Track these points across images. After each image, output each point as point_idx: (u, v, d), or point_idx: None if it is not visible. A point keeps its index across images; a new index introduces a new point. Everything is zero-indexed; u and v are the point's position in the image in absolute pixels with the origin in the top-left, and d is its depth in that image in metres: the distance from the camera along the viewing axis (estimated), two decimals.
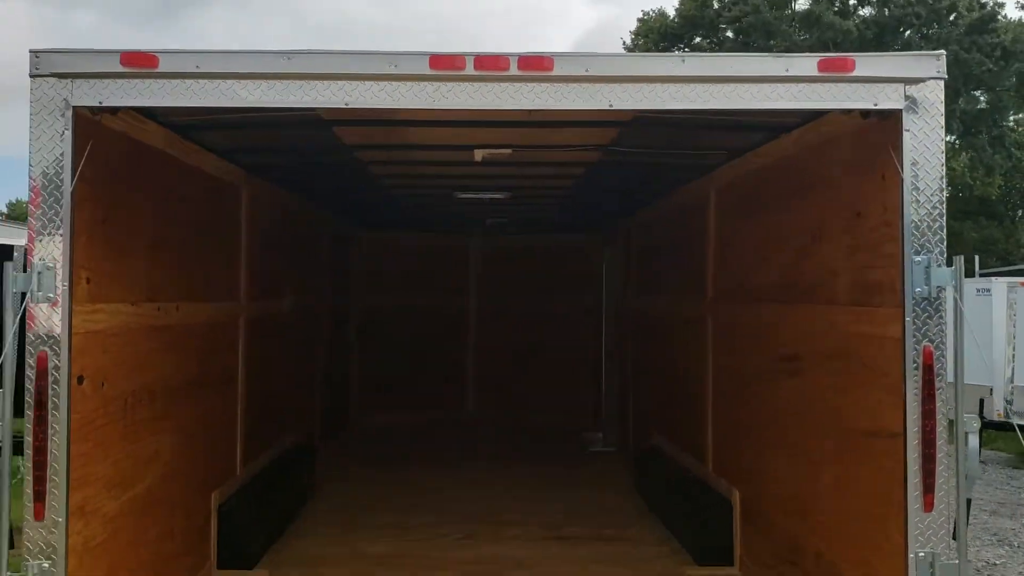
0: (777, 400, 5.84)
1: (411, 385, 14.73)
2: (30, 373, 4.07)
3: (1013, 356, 14.16)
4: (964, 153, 34.63)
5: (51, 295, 4.07)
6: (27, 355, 4.06)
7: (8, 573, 4.03)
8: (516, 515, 8.57)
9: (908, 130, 4.19)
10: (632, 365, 10.85)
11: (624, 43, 40.33)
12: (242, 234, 7.42)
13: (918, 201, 4.20)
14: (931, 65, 4.17)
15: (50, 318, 4.08)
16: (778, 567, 5.83)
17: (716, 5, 37.57)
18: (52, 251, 4.09)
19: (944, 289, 4.15)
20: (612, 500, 9.21)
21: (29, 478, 4.04)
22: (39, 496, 4.04)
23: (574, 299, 14.39)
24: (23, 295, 4.07)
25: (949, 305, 4.17)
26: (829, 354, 5.06)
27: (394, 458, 11.62)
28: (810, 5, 36.69)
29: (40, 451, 4.04)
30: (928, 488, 4.12)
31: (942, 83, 4.17)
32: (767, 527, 6.06)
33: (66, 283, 4.10)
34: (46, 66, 4.10)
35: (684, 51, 36.83)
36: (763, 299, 6.08)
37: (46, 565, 4.04)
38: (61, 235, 4.09)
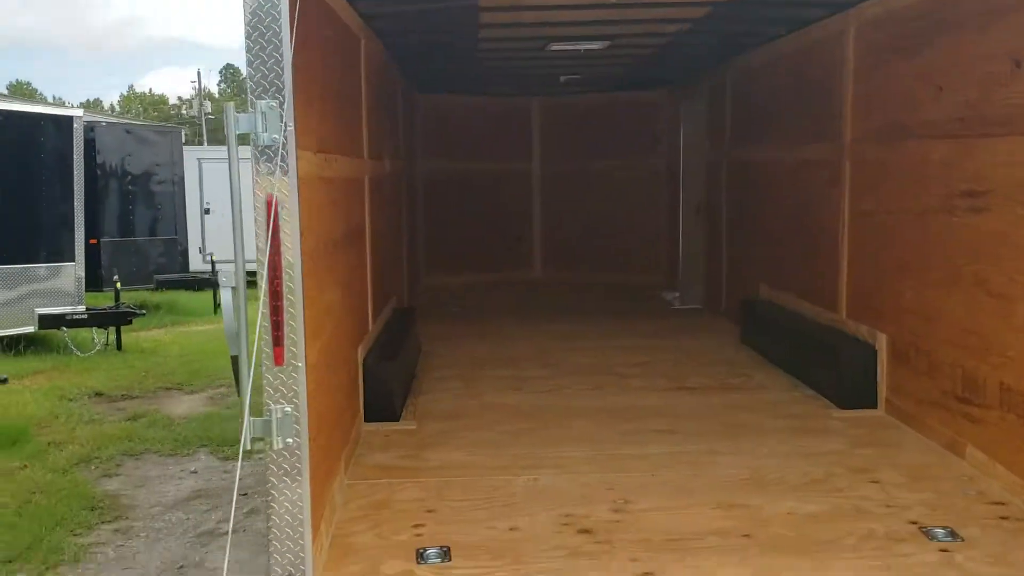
0: (949, 238, 5.74)
1: (476, 248, 14.70)
2: (258, 216, 3.95)
3: None
4: None
5: (276, 136, 3.91)
6: (254, 197, 3.94)
7: (251, 418, 4.02)
8: (630, 367, 8.54)
9: None
10: (728, 219, 10.72)
11: None
12: (363, 89, 7.21)
13: None
14: None
15: (276, 160, 3.94)
16: (945, 403, 5.85)
17: None
18: (273, 90, 3.91)
19: None
20: (722, 351, 9.16)
21: (267, 324, 3.98)
22: (277, 341, 3.98)
23: (643, 157, 14.15)
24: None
25: None
26: None
27: (479, 316, 11.65)
28: None
29: (276, 295, 3.96)
30: None
31: None
32: (929, 367, 6.05)
33: (291, 124, 3.94)
34: None
35: None
36: (932, 136, 5.90)
37: (288, 409, 4.01)
38: (282, 70, 3.91)
